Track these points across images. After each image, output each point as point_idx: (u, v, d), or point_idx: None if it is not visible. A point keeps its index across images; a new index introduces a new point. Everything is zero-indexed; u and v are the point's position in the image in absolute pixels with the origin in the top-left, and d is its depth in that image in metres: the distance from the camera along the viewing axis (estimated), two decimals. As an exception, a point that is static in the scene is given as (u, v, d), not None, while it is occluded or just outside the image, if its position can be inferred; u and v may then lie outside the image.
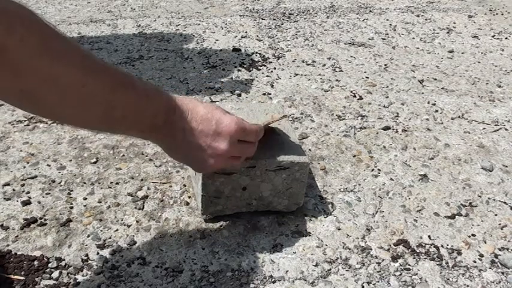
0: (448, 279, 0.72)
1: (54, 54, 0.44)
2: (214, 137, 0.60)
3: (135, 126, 0.57)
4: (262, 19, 1.82)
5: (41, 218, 0.79)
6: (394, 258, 0.75)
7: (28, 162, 0.93)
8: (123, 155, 0.96)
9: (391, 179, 0.93)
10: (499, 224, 0.83)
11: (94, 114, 0.52)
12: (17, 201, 0.82)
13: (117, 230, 0.77)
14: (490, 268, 0.74)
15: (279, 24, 1.77)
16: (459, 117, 1.17)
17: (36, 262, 0.71)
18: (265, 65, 1.41)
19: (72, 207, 0.82)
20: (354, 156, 1.00)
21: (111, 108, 0.52)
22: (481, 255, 0.76)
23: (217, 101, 1.17)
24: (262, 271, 0.71)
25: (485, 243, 0.79)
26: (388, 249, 0.76)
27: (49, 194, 0.85)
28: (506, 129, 1.13)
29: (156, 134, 0.59)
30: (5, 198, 0.83)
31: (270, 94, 1.24)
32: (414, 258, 0.75)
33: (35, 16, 0.44)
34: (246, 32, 1.67)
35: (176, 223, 0.79)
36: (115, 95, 0.51)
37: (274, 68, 1.39)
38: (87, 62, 0.48)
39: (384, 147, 1.03)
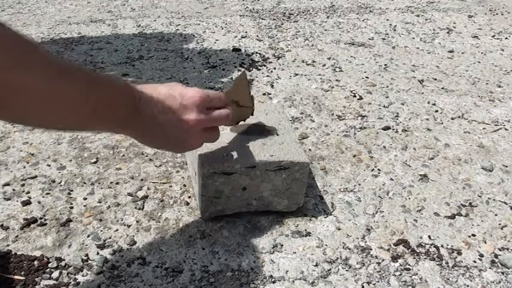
0: (448, 279, 0.72)
1: (25, 66, 0.44)
2: (182, 111, 0.60)
3: (106, 121, 0.57)
4: (262, 19, 1.82)
5: (41, 218, 0.79)
6: (394, 258, 0.75)
7: (28, 162, 0.93)
8: (123, 155, 0.96)
9: (391, 179, 0.93)
10: (499, 224, 0.83)
11: (65, 116, 0.52)
12: (17, 201, 0.82)
13: (117, 230, 0.77)
14: (490, 268, 0.74)
15: (279, 24, 1.77)
16: (459, 117, 1.17)
17: (36, 262, 0.71)
18: (265, 65, 1.41)
19: (72, 207, 0.82)
20: (354, 156, 1.00)
21: (81, 109, 0.52)
22: (481, 255, 0.76)
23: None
24: (262, 271, 0.71)
25: (485, 243, 0.79)
26: (388, 249, 0.76)
27: (49, 194, 0.85)
28: (506, 129, 1.13)
29: (126, 125, 0.59)
30: (5, 198, 0.83)
31: (270, 94, 1.24)
32: (414, 258, 0.75)
33: (5, 29, 0.43)
34: (246, 32, 1.67)
35: (176, 223, 0.79)
36: (84, 95, 0.52)
37: (274, 68, 1.39)
38: (56, 68, 0.49)
39: (384, 147, 1.03)
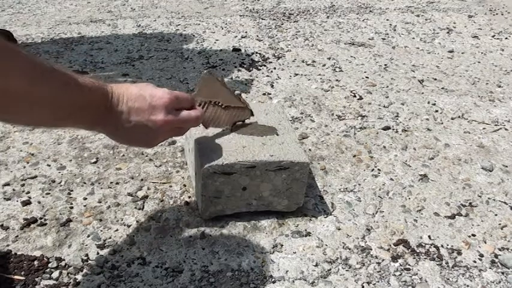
0: (448, 279, 0.72)
1: (4, 70, 0.45)
2: (151, 111, 0.62)
3: (81, 119, 0.59)
4: (262, 19, 1.82)
5: (41, 218, 0.79)
6: (394, 258, 0.75)
7: (28, 162, 0.93)
8: (123, 155, 0.96)
9: (391, 179, 0.93)
10: (499, 224, 0.83)
11: (42, 115, 0.54)
12: (17, 201, 0.82)
13: (117, 230, 0.77)
14: (490, 268, 0.74)
15: (279, 24, 1.77)
16: (459, 117, 1.17)
17: (36, 262, 0.71)
18: (265, 65, 1.41)
19: (72, 207, 0.82)
20: (354, 156, 1.00)
21: (57, 108, 0.54)
22: (481, 255, 0.76)
23: (217, 101, 1.17)
24: (262, 271, 0.71)
25: (485, 243, 0.79)
26: (388, 249, 0.76)
27: (49, 194, 0.85)
28: (506, 129, 1.13)
29: (99, 123, 0.61)
30: (5, 198, 0.83)
31: (270, 94, 1.24)
32: (414, 258, 0.75)
33: None
34: (246, 32, 1.67)
35: (176, 223, 0.79)
36: (61, 96, 0.54)
37: (274, 68, 1.39)
38: (35, 70, 0.50)
39: (384, 147, 1.03)
